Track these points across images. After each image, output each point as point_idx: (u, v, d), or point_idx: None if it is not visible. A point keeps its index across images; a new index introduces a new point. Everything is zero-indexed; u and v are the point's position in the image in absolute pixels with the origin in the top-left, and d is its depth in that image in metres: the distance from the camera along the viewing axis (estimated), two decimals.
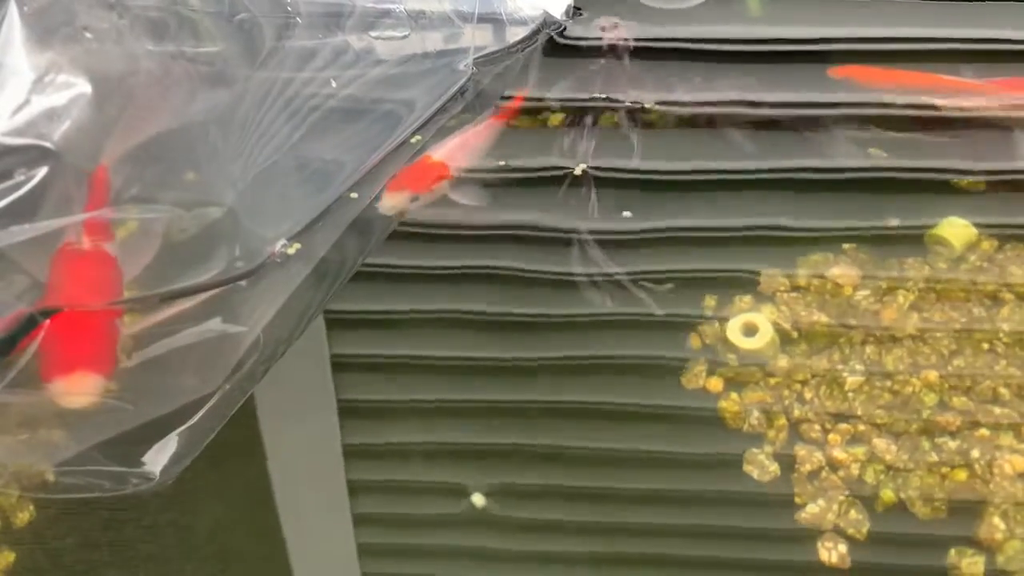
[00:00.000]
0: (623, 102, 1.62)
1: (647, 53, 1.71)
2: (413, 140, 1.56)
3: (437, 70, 1.58)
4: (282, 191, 1.49)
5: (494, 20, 1.59)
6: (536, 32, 1.61)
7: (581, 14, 1.67)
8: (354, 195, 1.50)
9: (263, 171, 1.49)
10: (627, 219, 1.50)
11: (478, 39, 1.61)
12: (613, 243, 1.49)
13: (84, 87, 1.44)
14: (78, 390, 1.26)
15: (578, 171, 1.53)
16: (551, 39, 1.65)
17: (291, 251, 1.43)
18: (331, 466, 1.28)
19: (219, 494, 1.26)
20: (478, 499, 1.25)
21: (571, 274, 1.45)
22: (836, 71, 1.64)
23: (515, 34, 1.59)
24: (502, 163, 1.57)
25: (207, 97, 1.59)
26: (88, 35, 1.53)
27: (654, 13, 1.76)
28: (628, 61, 1.66)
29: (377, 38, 1.62)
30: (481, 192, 1.52)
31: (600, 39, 1.67)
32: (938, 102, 1.59)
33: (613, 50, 1.67)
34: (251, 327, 1.34)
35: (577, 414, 1.34)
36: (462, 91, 1.58)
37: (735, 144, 1.60)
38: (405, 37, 1.60)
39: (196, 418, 1.26)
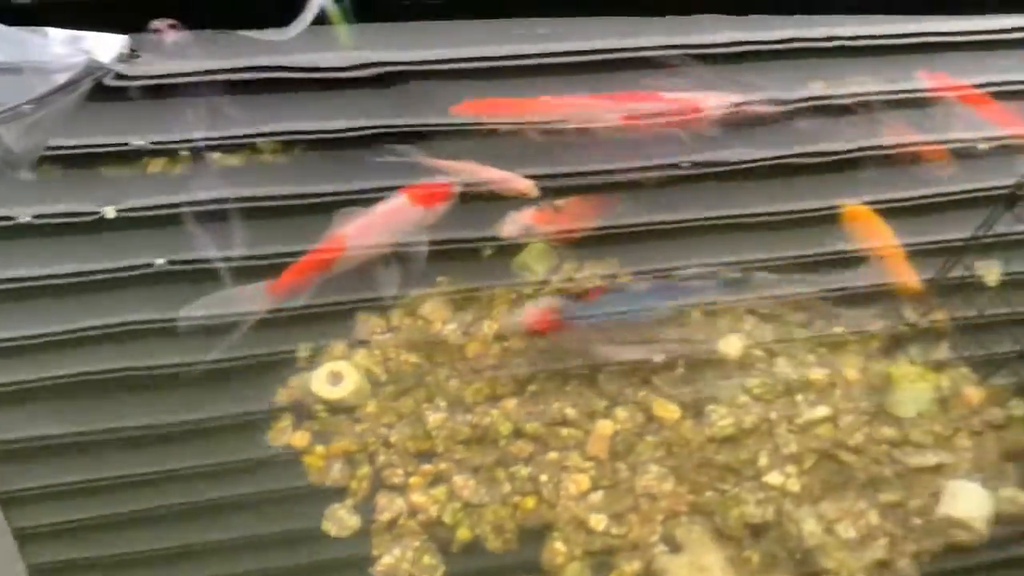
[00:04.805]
0: (210, 139, 1.54)
1: (244, 86, 1.64)
2: None
3: None
4: None
5: (16, 70, 1.42)
6: (76, 80, 1.48)
7: (137, 57, 1.57)
8: None
9: None
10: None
11: None
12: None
13: None
14: None
15: (111, 214, 1.44)
16: (100, 83, 1.52)
17: None
18: None
19: None
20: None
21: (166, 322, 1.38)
22: (460, 108, 1.65)
23: (53, 82, 1.46)
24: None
25: None
26: None
27: (252, 44, 1.69)
28: (215, 97, 1.59)
29: None
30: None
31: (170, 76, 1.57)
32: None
33: (199, 87, 1.59)
34: None
35: (153, 484, 1.28)
36: None
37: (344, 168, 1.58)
38: None
39: None
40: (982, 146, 1.64)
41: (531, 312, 1.38)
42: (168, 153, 1.51)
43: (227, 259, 1.41)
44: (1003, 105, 1.67)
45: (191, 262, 1.39)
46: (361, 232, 1.44)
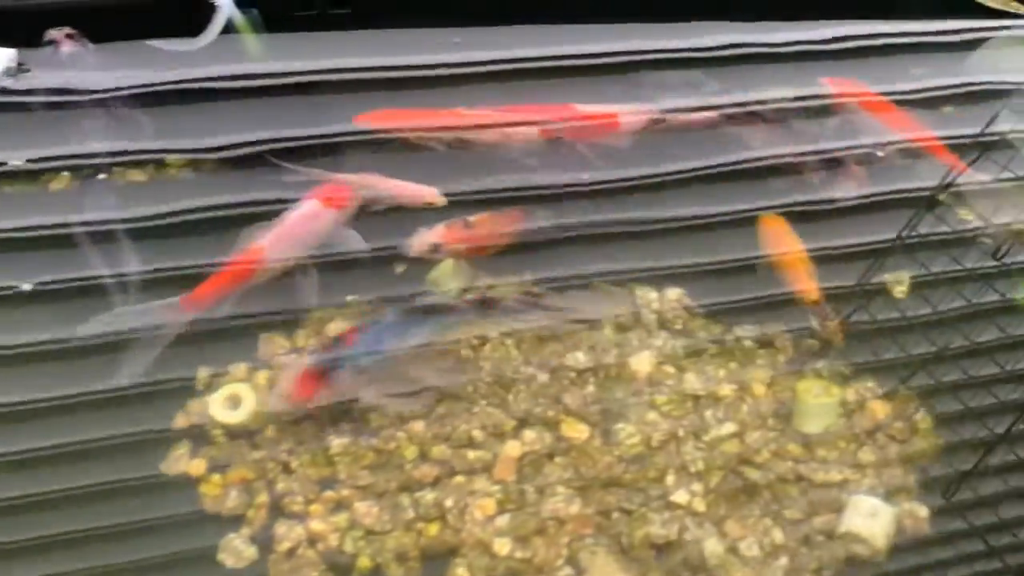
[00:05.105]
0: (107, 153, 1.49)
1: (147, 99, 1.59)
2: None
3: None
4: None
5: None
6: None
7: (27, 71, 1.52)
8: None
9: None
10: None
11: None
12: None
13: None
14: None
15: None
16: None
17: None
18: None
19: None
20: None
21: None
22: (362, 118, 1.62)
23: None
24: None
25: None
26: None
27: (156, 56, 1.64)
28: (114, 110, 1.54)
29: None
30: None
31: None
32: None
33: (96, 100, 1.53)
34: None
35: (40, 510, 1.22)
36: None
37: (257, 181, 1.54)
38: None
39: None
40: (881, 153, 1.66)
41: (288, 382, 1.31)
42: (59, 170, 1.46)
43: (120, 277, 1.36)
44: (905, 111, 1.69)
45: (69, 281, 1.34)
46: (277, 242, 1.40)
